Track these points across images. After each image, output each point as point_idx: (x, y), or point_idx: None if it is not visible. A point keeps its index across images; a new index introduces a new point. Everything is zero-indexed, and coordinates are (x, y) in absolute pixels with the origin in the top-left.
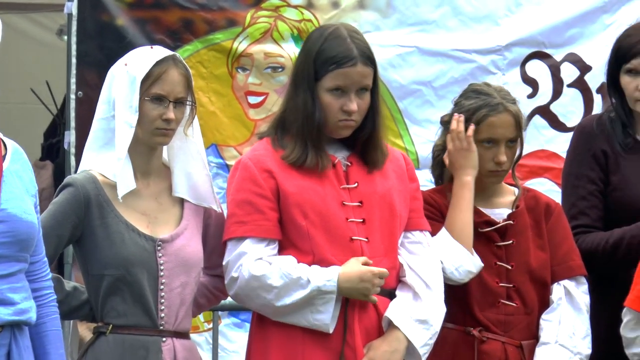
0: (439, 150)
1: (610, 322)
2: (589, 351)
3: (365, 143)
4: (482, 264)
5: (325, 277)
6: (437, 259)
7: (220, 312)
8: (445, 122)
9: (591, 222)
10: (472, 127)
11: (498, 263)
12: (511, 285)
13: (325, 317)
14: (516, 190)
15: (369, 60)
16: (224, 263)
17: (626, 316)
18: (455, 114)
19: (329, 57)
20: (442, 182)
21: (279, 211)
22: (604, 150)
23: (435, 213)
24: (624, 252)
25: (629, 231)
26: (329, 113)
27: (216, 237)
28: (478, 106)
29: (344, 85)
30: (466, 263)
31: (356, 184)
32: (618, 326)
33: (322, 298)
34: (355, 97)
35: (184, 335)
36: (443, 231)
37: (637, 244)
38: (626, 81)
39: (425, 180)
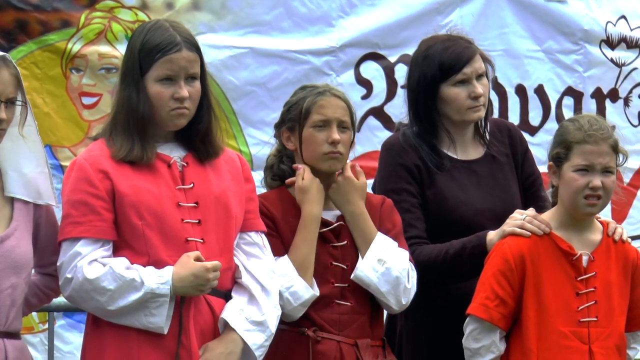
0: (273, 157)
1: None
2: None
3: (203, 136)
4: (318, 294)
5: (159, 280)
6: (273, 261)
7: (55, 313)
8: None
9: (420, 233)
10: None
11: (334, 263)
12: (346, 285)
13: (159, 320)
14: None
15: (194, 46)
16: (58, 264)
17: (469, 326)
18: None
19: (153, 46)
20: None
21: (114, 212)
22: (417, 165)
23: (270, 225)
24: (466, 262)
25: (469, 242)
26: (160, 103)
27: (47, 236)
28: (305, 95)
29: (172, 72)
30: (306, 297)
31: (192, 185)
32: (441, 338)
33: (156, 301)
34: (185, 85)
35: (14, 335)
36: (286, 260)
37: (479, 254)
38: (456, 92)
39: (259, 180)
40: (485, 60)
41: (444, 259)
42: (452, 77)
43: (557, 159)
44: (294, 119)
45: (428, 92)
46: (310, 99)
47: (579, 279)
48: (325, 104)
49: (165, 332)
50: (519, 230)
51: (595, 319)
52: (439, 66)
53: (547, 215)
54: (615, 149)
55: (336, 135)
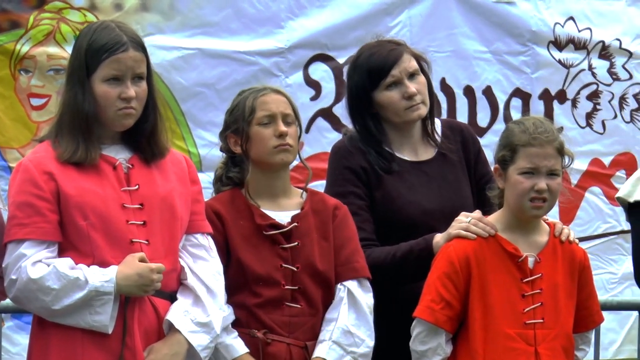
0: (220, 169)
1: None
2: (366, 350)
3: (148, 136)
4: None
5: (103, 278)
6: (219, 263)
7: (3, 315)
8: (224, 138)
9: (368, 236)
10: None
11: (284, 265)
12: (296, 287)
13: (104, 319)
14: (304, 193)
15: (140, 46)
16: (3, 265)
17: (416, 328)
18: None
19: (100, 46)
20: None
21: (60, 213)
22: (364, 167)
23: (219, 228)
24: (414, 265)
25: (416, 245)
26: (107, 103)
27: None
28: (246, 96)
29: (119, 72)
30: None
31: (137, 186)
32: (391, 340)
33: (100, 299)
34: (132, 85)
35: None
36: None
37: (426, 257)
38: (389, 96)
39: (208, 182)
40: (419, 57)
41: (392, 261)
42: (382, 81)
43: (503, 162)
44: (238, 120)
45: (364, 102)
46: (252, 97)
47: (524, 280)
48: (268, 100)
49: (110, 331)
50: (464, 232)
51: (542, 320)
52: (367, 74)
53: (493, 218)
54: (561, 151)
55: (283, 128)
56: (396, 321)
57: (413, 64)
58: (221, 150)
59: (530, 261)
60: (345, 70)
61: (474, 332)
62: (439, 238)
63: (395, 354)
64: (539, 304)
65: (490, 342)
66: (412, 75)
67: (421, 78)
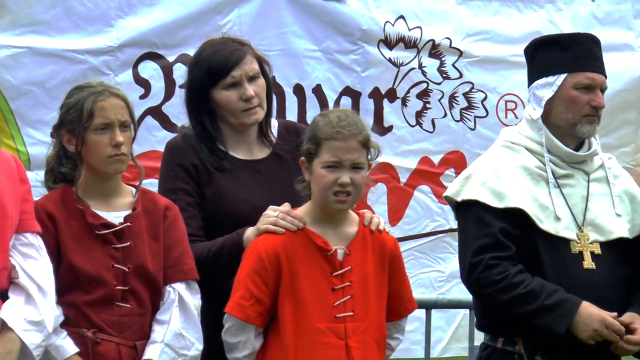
0: (52, 160)
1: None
2: (196, 352)
3: None
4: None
5: None
6: (49, 262)
7: None
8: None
9: (194, 232)
10: None
11: (115, 265)
12: (127, 288)
13: None
14: (134, 191)
15: None
16: None
17: (227, 322)
18: None
19: None
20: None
21: None
22: (195, 164)
23: (49, 226)
24: (226, 260)
25: (229, 239)
26: None
27: None
28: (83, 96)
29: None
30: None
31: None
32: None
33: None
34: None
35: None
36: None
37: (237, 252)
38: (227, 96)
39: (37, 180)
40: (261, 60)
41: (207, 256)
42: (221, 81)
43: (308, 155)
44: (74, 121)
45: (201, 98)
46: (90, 101)
47: (334, 274)
48: (106, 106)
49: None
50: (272, 227)
51: (352, 313)
52: (208, 71)
53: (301, 210)
54: (366, 144)
55: (119, 138)
56: (217, 313)
57: (254, 67)
58: (52, 136)
59: (340, 254)
60: (174, 68)
61: (284, 326)
62: (249, 232)
63: (217, 345)
64: (349, 296)
65: (301, 337)
66: (252, 78)
67: (261, 81)
